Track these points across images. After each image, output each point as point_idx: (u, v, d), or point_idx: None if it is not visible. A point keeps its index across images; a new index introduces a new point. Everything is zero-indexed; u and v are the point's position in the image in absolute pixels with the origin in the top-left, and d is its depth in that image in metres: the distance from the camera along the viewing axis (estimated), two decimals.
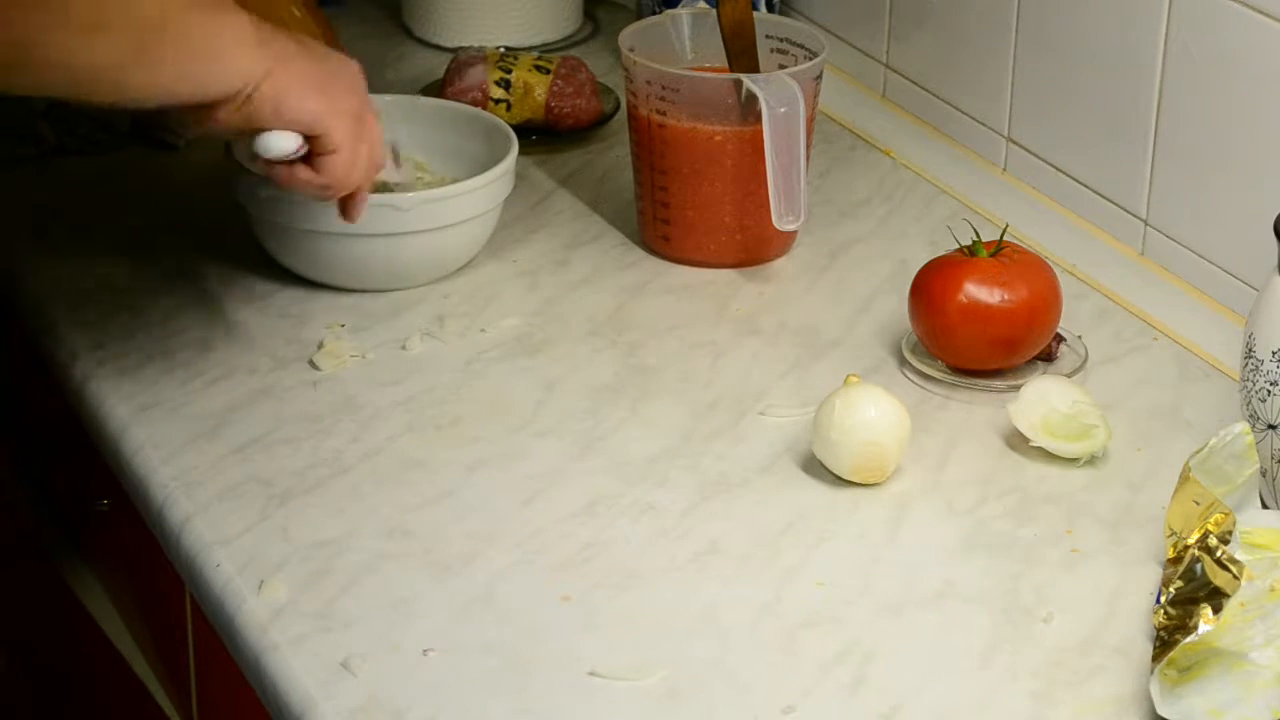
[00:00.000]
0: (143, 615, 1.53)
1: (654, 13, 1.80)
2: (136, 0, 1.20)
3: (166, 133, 1.73)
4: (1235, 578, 1.09)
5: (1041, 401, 1.33)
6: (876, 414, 1.28)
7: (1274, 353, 1.20)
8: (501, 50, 1.79)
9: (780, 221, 1.51)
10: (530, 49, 1.86)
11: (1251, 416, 1.22)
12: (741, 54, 1.56)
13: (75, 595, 1.65)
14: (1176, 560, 1.14)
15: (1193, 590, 1.10)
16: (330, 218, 1.48)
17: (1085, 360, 1.43)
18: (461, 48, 1.81)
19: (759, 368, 1.44)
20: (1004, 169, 1.69)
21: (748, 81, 1.51)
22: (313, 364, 1.43)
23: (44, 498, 1.74)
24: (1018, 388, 1.35)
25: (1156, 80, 1.51)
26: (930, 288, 1.40)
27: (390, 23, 1.99)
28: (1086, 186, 1.61)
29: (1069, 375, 1.40)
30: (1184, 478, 1.19)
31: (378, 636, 1.15)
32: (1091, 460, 1.32)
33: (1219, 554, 1.10)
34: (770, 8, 1.86)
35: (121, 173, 1.68)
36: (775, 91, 1.50)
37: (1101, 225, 1.59)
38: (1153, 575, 1.21)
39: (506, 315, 1.50)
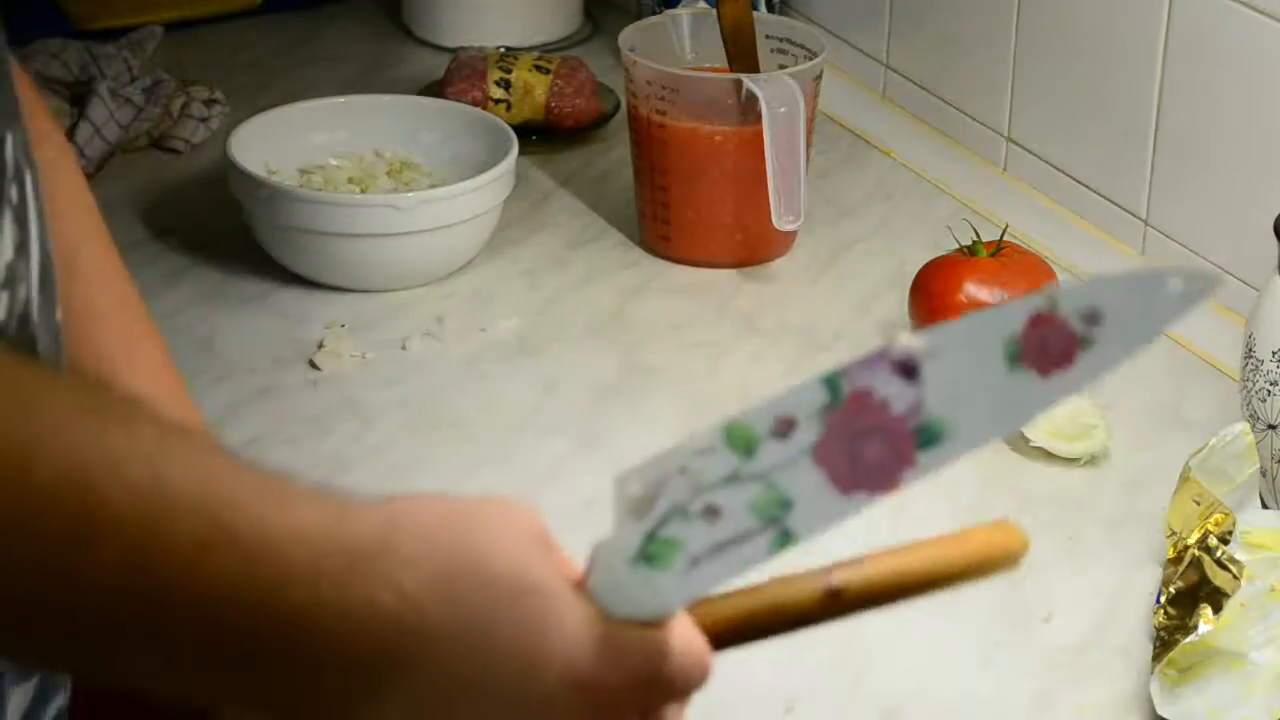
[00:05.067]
0: None
1: (654, 13, 1.80)
2: None
3: (168, 139, 1.73)
4: (1235, 578, 1.09)
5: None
6: None
7: (1274, 353, 1.20)
8: (501, 50, 1.79)
9: (780, 221, 1.51)
10: (530, 49, 1.86)
11: (1251, 416, 1.22)
12: (741, 54, 1.56)
13: None
14: (1176, 560, 1.14)
15: (1193, 590, 1.10)
16: (330, 218, 1.48)
17: None
18: (461, 48, 1.81)
19: (759, 368, 1.44)
20: (1004, 169, 1.69)
21: (748, 81, 1.51)
22: (313, 364, 1.43)
23: None
24: None
25: (1156, 80, 1.51)
26: (930, 288, 1.40)
27: (390, 23, 1.99)
28: (1086, 186, 1.61)
29: None
30: (1184, 478, 1.19)
31: None
32: (1091, 460, 1.32)
33: (1219, 554, 1.10)
34: (770, 8, 1.86)
35: (121, 173, 1.68)
36: (775, 91, 1.50)
37: (1101, 225, 1.59)
38: (1153, 575, 1.21)
39: (506, 315, 1.50)
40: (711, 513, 0.73)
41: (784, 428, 0.72)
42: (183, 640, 0.68)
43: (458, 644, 0.71)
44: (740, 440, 0.72)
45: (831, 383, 0.71)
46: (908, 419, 0.71)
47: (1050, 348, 0.69)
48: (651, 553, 0.74)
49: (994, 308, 0.70)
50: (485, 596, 0.71)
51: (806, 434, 0.72)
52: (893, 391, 0.70)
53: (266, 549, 0.68)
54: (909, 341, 0.70)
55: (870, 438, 0.71)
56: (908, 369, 0.70)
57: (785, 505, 0.73)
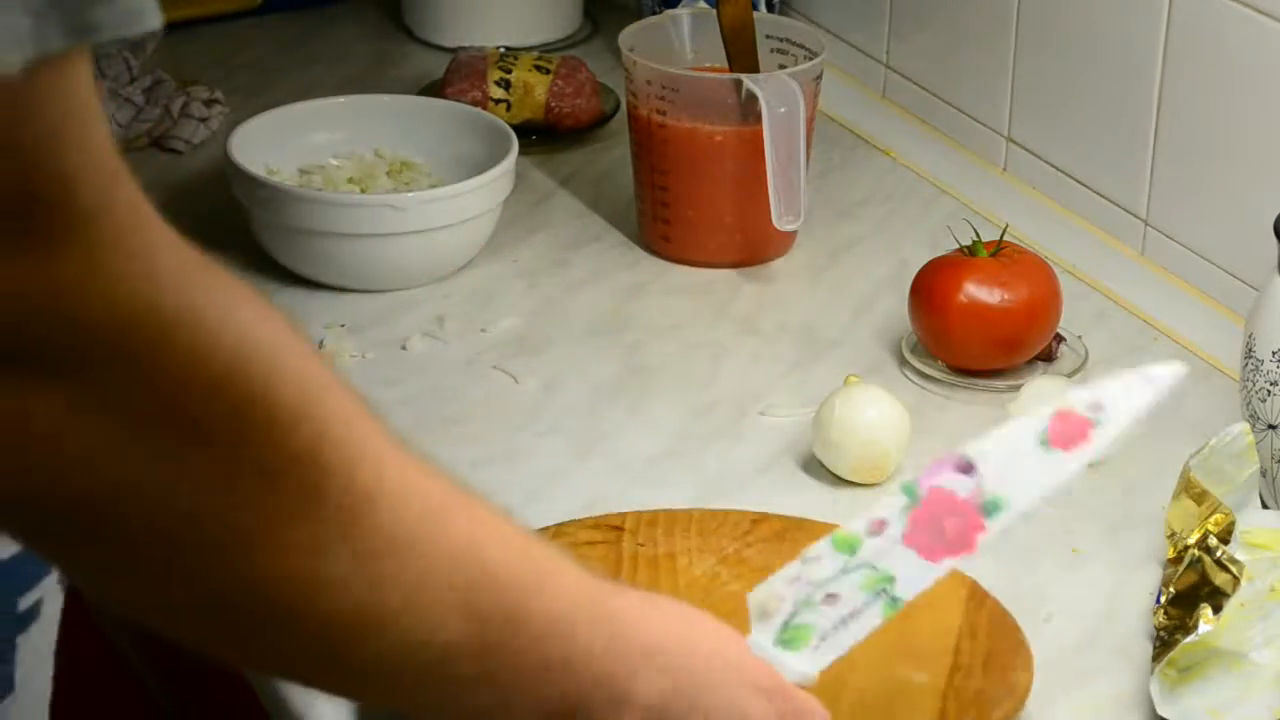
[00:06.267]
0: None
1: (654, 13, 1.80)
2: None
3: (168, 139, 1.73)
4: (1235, 578, 1.09)
5: (1041, 401, 1.32)
6: (876, 414, 1.28)
7: (1274, 353, 1.20)
8: (501, 50, 1.79)
9: (780, 221, 1.51)
10: (530, 49, 1.86)
11: (1251, 416, 1.22)
12: (741, 54, 1.56)
13: (74, 594, 1.64)
14: (1176, 560, 1.14)
15: (1193, 590, 1.10)
16: (330, 218, 1.48)
17: (1085, 360, 1.43)
18: (461, 48, 1.81)
19: (759, 368, 1.44)
20: (1004, 169, 1.69)
21: (748, 81, 1.51)
22: None
23: None
24: (1018, 388, 1.35)
25: (1156, 80, 1.51)
26: (930, 288, 1.40)
27: (390, 23, 1.99)
28: (1086, 186, 1.60)
29: (1069, 375, 1.40)
30: (1184, 478, 1.19)
31: None
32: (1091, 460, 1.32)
33: (1219, 554, 1.10)
34: (770, 8, 1.86)
35: None
36: (775, 91, 1.50)
37: (1101, 225, 1.59)
38: (1153, 575, 1.21)
39: (506, 315, 1.50)
40: (831, 598, 0.92)
41: (878, 527, 0.92)
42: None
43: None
44: (845, 545, 0.92)
45: (908, 489, 0.92)
46: (974, 499, 0.92)
47: (1071, 432, 0.93)
48: (788, 639, 0.92)
49: (1023, 419, 0.94)
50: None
51: (896, 528, 0.92)
52: (958, 485, 0.92)
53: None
54: (965, 449, 0.92)
55: (947, 518, 0.92)
56: (966, 467, 0.92)
57: (889, 580, 0.92)
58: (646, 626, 0.86)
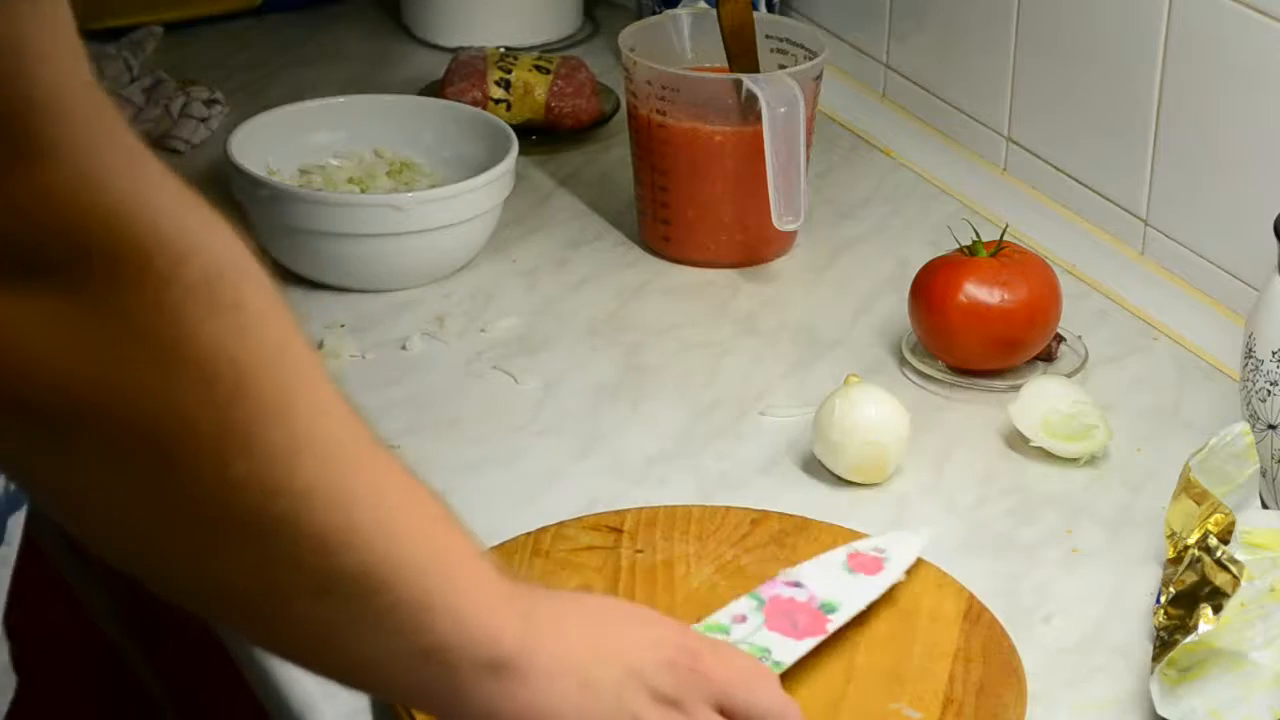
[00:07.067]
0: (142, 615, 1.53)
1: (654, 13, 1.80)
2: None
3: (168, 139, 1.73)
4: (1235, 578, 1.09)
5: (1041, 401, 1.33)
6: (876, 414, 1.28)
7: (1274, 353, 1.20)
8: (501, 50, 1.79)
9: (780, 221, 1.51)
10: (530, 49, 1.86)
11: (1251, 416, 1.22)
12: (741, 54, 1.56)
13: (73, 594, 1.65)
14: (1176, 560, 1.14)
15: (1193, 590, 1.10)
16: (330, 218, 1.48)
17: (1085, 360, 1.43)
18: (461, 48, 1.81)
19: (759, 368, 1.44)
20: (1004, 169, 1.69)
21: (748, 81, 1.51)
22: None
23: None
24: (1018, 388, 1.35)
25: (1156, 80, 1.51)
26: (930, 288, 1.40)
27: (390, 23, 1.99)
28: (1086, 186, 1.60)
29: (1069, 375, 1.40)
30: (1184, 478, 1.19)
31: None
32: (1091, 460, 1.32)
33: (1219, 554, 1.10)
34: (770, 8, 1.86)
35: None
36: (775, 91, 1.50)
37: (1101, 225, 1.59)
38: (1153, 575, 1.21)
39: (506, 315, 1.50)
40: None
41: (740, 619, 1.08)
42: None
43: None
44: (716, 629, 1.07)
45: (755, 596, 1.10)
46: (810, 603, 1.10)
47: (866, 563, 1.14)
48: None
49: (823, 555, 1.14)
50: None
51: (755, 620, 1.08)
52: (794, 594, 1.10)
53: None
54: (790, 571, 1.13)
55: (795, 614, 1.09)
56: (794, 584, 1.11)
57: (766, 650, 1.06)
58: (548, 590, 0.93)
